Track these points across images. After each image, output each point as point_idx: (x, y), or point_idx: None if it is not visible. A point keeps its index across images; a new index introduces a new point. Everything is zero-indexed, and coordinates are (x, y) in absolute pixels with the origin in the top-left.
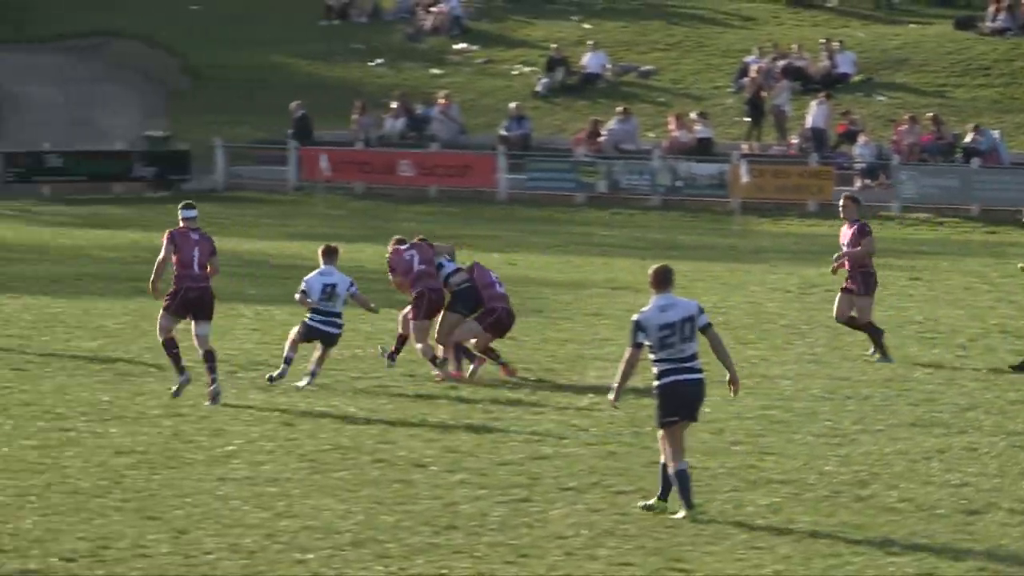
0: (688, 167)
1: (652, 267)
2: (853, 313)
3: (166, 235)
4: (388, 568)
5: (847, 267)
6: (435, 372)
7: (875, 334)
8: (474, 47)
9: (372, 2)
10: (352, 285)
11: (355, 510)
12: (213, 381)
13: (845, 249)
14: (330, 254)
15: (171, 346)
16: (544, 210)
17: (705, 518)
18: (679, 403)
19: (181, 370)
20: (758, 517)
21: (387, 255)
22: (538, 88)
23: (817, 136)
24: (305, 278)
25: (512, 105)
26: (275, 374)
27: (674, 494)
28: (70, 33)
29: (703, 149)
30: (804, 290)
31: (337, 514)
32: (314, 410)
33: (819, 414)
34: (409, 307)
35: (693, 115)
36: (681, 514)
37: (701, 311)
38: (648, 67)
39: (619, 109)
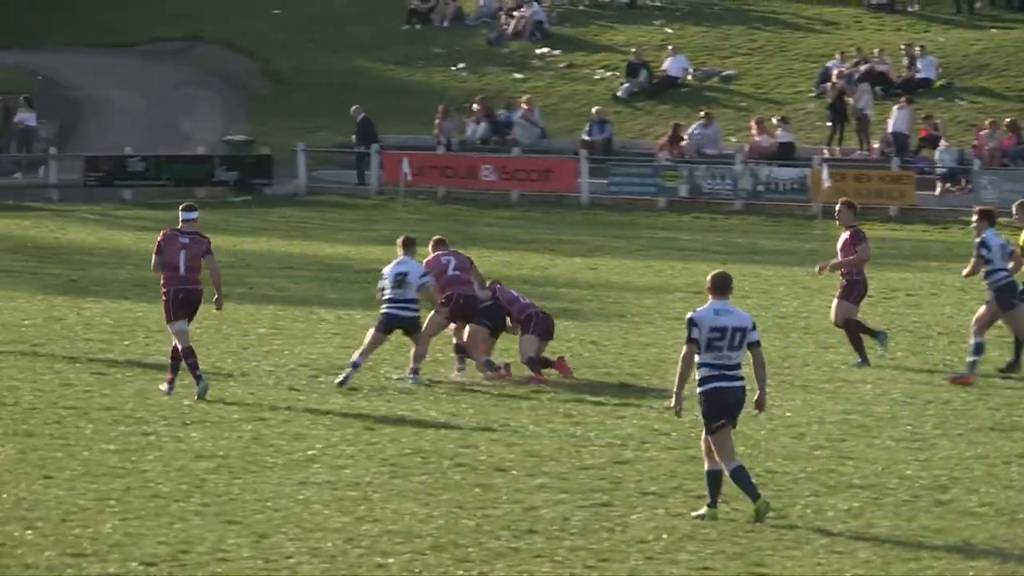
0: (770, 171)
1: (711, 273)
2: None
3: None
4: (468, 572)
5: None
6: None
7: (854, 335)
8: (556, 51)
9: (454, 7)
10: (425, 275)
11: (436, 514)
12: (199, 379)
13: (839, 255)
14: (408, 245)
15: (188, 355)
16: (625, 214)
17: (785, 523)
18: (724, 408)
19: (182, 372)
20: (838, 521)
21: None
22: (620, 92)
23: (898, 141)
24: (383, 270)
25: (594, 109)
26: (341, 378)
27: (731, 496)
28: (154, 38)
29: (785, 154)
30: (885, 294)
31: (418, 518)
32: (395, 414)
33: (899, 418)
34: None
35: (775, 120)
36: (753, 508)
37: (754, 327)
38: (730, 72)
39: (701, 113)
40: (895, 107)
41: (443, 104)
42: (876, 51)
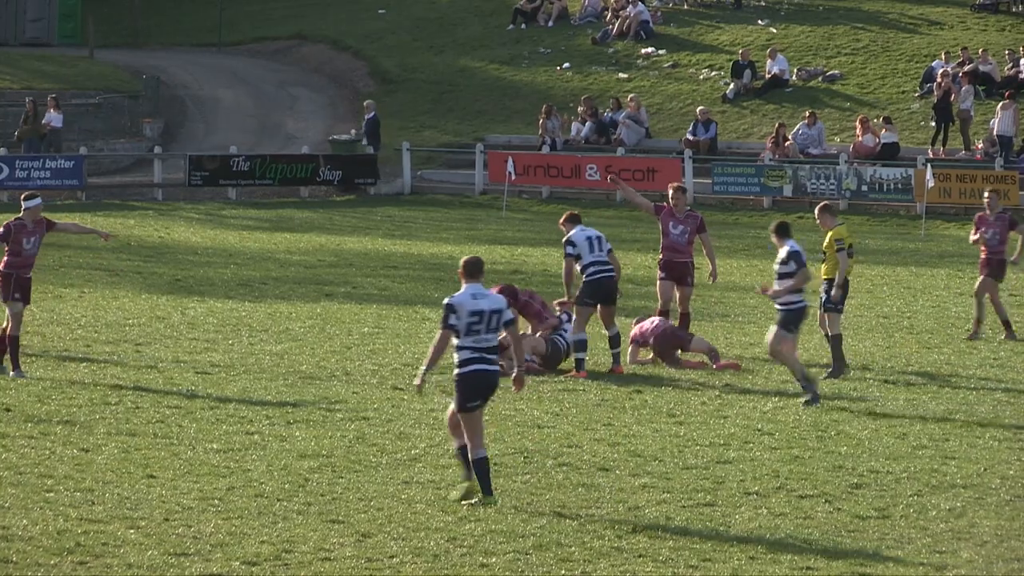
0: (874, 171)
1: (463, 258)
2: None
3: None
4: (571, 572)
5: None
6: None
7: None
8: (661, 51)
9: (559, 6)
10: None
11: (539, 514)
12: (15, 367)
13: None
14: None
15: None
16: (729, 214)
17: (888, 522)
18: (481, 390)
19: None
20: (940, 521)
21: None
22: (726, 92)
23: (1002, 141)
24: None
25: (698, 109)
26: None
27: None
28: (258, 37)
29: (889, 154)
30: None
31: (520, 518)
32: (498, 414)
33: (1002, 418)
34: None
35: (879, 120)
36: (474, 500)
37: (508, 307)
38: (834, 72)
39: (806, 114)
40: (999, 107)
41: (547, 103)
42: (980, 51)
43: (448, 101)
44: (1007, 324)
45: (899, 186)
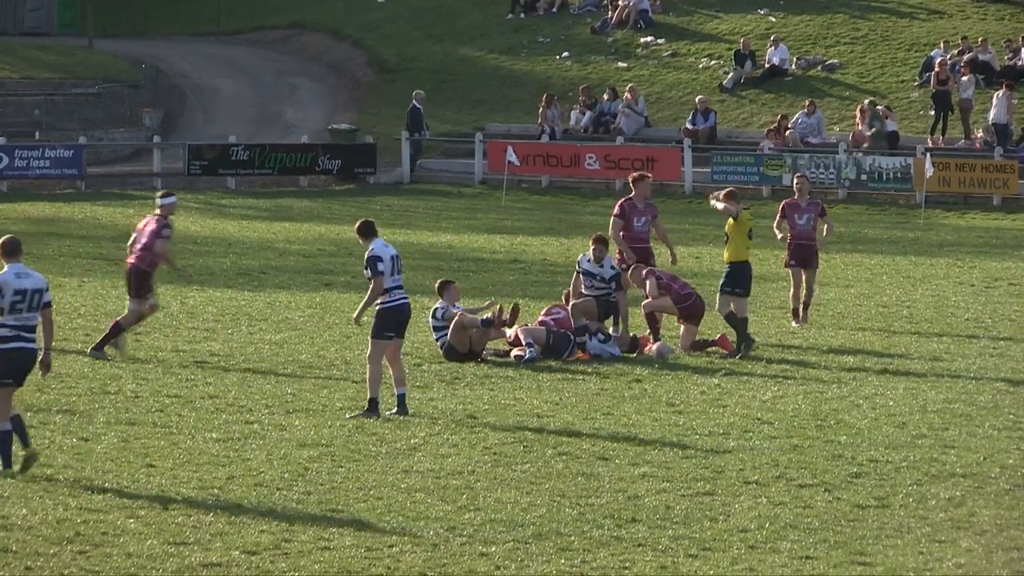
0: (873, 160)
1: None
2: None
3: None
4: (571, 561)
5: None
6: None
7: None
8: (660, 40)
9: None
10: None
11: (538, 503)
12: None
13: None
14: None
15: None
16: None
17: (887, 511)
18: (18, 369)
19: None
20: (940, 510)
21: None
22: (726, 82)
23: (999, 130)
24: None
25: (698, 98)
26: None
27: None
28: (257, 26)
29: (888, 143)
30: (988, 284)
31: (520, 507)
32: (497, 403)
33: (1002, 407)
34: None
35: (878, 109)
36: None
37: (48, 289)
38: (833, 61)
39: (805, 103)
40: (996, 95)
41: (547, 93)
42: (980, 40)
43: (447, 90)
44: (799, 311)
45: (898, 175)
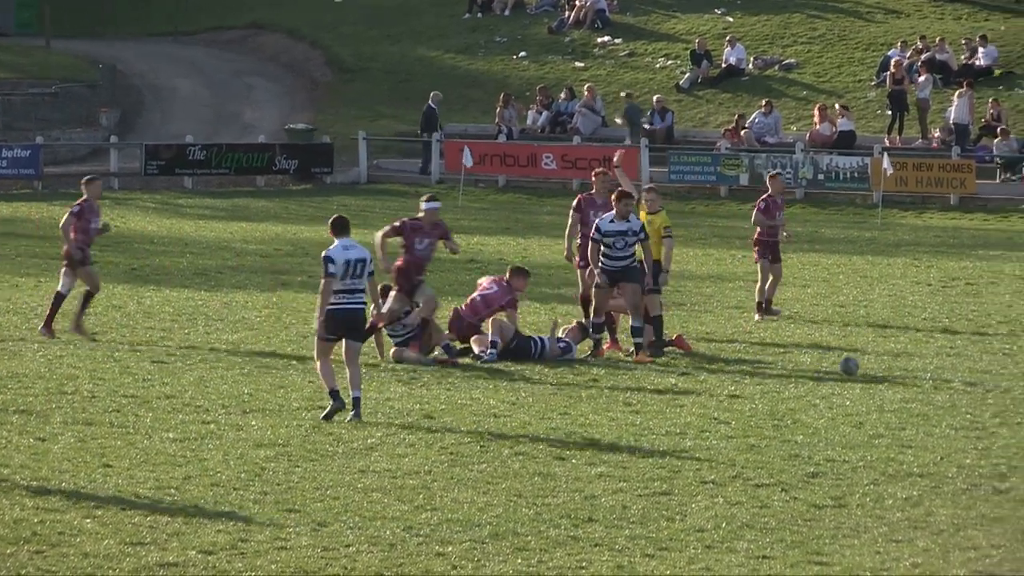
0: (830, 160)
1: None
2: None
3: None
4: (527, 561)
5: None
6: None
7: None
8: (617, 40)
9: None
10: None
11: (495, 503)
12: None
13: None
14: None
15: None
16: (686, 203)
17: (844, 511)
18: None
19: None
20: (897, 510)
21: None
22: (682, 82)
23: (958, 130)
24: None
25: (655, 98)
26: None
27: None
28: (215, 27)
29: (845, 142)
30: (945, 283)
31: (477, 507)
32: (454, 402)
33: (959, 407)
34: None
35: (836, 108)
36: None
37: None
38: (790, 60)
39: (763, 103)
40: (955, 96)
41: (504, 92)
42: (937, 40)
43: (404, 90)
44: (763, 304)
45: (855, 175)
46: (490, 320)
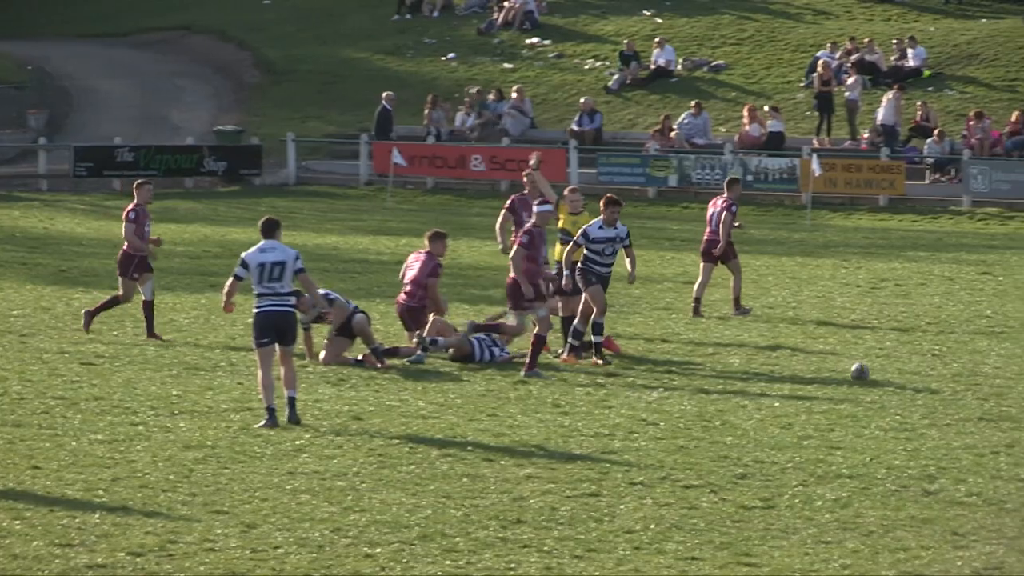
0: (759, 161)
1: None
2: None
3: None
4: (456, 562)
5: None
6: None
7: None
8: (546, 42)
9: None
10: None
11: (423, 504)
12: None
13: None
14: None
15: None
16: None
17: (773, 512)
18: None
19: None
20: (826, 511)
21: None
22: (611, 83)
23: (888, 131)
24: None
25: (583, 99)
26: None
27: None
28: (144, 28)
29: (775, 144)
30: (874, 284)
31: (405, 508)
32: (383, 404)
33: (888, 408)
34: None
35: (765, 109)
36: None
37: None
38: (719, 62)
39: (692, 104)
40: (885, 97)
41: (433, 94)
42: (866, 41)
43: (333, 92)
44: (697, 301)
45: (784, 176)
46: (431, 318)
